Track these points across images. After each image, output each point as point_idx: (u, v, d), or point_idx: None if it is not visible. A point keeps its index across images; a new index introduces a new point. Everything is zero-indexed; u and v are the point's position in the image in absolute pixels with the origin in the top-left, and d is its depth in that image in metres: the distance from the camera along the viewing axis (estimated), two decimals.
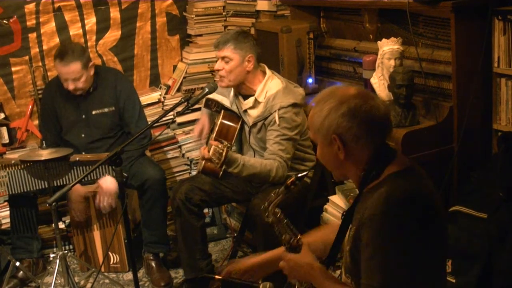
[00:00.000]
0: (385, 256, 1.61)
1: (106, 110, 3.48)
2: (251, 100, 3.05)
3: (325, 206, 3.13)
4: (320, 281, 1.77)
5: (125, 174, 3.30)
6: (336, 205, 3.04)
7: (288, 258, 1.85)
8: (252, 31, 4.02)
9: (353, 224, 1.76)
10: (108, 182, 3.28)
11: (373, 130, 1.70)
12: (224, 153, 2.66)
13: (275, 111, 2.92)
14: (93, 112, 3.47)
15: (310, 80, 3.64)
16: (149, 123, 3.09)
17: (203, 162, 3.08)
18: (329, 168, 1.83)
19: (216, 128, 3.08)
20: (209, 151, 2.71)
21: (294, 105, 2.94)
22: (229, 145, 2.77)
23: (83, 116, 3.48)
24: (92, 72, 3.41)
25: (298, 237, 1.84)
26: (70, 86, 3.33)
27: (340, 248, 1.85)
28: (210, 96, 3.20)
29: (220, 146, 2.67)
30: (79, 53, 3.31)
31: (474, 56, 2.75)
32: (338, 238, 1.83)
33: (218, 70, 3.02)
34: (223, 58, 2.99)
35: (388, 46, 2.97)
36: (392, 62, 2.96)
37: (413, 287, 1.63)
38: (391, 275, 1.61)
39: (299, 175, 1.87)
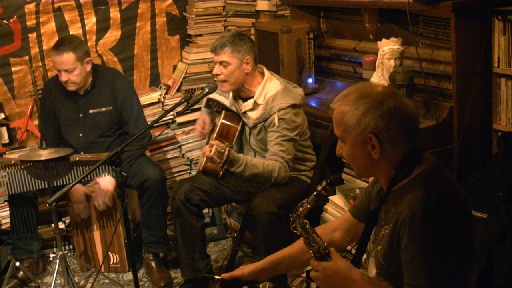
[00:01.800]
0: (429, 255, 1.60)
1: (103, 109, 3.47)
2: (250, 102, 3.04)
3: (325, 206, 3.13)
4: (362, 285, 1.69)
5: (124, 174, 3.30)
6: (336, 205, 3.04)
7: (323, 266, 1.72)
8: (252, 31, 4.02)
9: (385, 223, 1.75)
10: (107, 182, 3.28)
11: (410, 131, 1.72)
12: (226, 153, 2.65)
13: (275, 112, 2.92)
14: (91, 111, 3.47)
15: (310, 80, 3.64)
16: (149, 123, 3.09)
17: (204, 161, 3.08)
18: (355, 167, 1.81)
19: (217, 128, 3.08)
20: (210, 151, 2.70)
21: (293, 106, 2.94)
22: (231, 145, 2.76)
23: (81, 115, 3.48)
24: (88, 68, 3.40)
25: (325, 245, 1.75)
26: (63, 77, 3.33)
27: (365, 249, 1.84)
28: (211, 96, 3.20)
29: (222, 145, 2.66)
30: (75, 44, 3.33)
31: (474, 56, 2.75)
32: (363, 239, 1.82)
33: (217, 75, 3.01)
34: (221, 62, 2.98)
35: (388, 46, 2.97)
36: (392, 62, 2.96)
37: (457, 285, 1.62)
38: (437, 273, 1.59)
39: (329, 180, 1.80)
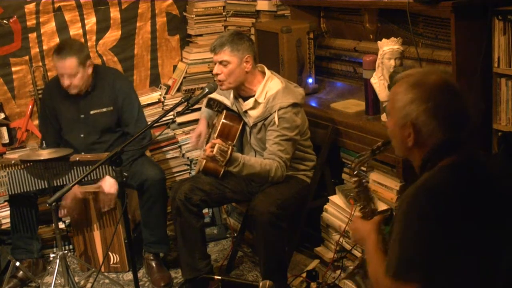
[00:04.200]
0: (398, 242, 1.69)
1: (104, 109, 3.47)
2: (251, 101, 3.04)
3: (325, 206, 3.13)
4: (369, 249, 1.89)
5: (125, 174, 3.29)
6: (336, 205, 3.04)
7: (355, 220, 2.06)
8: (252, 31, 4.02)
9: None
10: (108, 186, 3.28)
11: (450, 129, 1.75)
12: (229, 152, 2.66)
13: (275, 111, 2.92)
14: (91, 112, 3.47)
15: (310, 80, 3.64)
16: (149, 123, 3.09)
17: (204, 161, 3.08)
18: (394, 144, 1.90)
19: (218, 128, 3.07)
20: (212, 150, 2.69)
21: (294, 105, 2.94)
22: (233, 144, 2.77)
23: (82, 116, 3.48)
24: (90, 71, 3.40)
25: (375, 208, 2.01)
26: (66, 82, 3.32)
27: None
28: (212, 96, 3.20)
29: (224, 144, 2.67)
30: (76, 49, 3.32)
31: (474, 56, 2.75)
32: None
33: (217, 74, 3.01)
34: (221, 62, 2.98)
35: (388, 46, 2.97)
36: (392, 62, 2.95)
37: (423, 277, 1.65)
38: (399, 262, 1.67)
39: (384, 142, 1.99)
